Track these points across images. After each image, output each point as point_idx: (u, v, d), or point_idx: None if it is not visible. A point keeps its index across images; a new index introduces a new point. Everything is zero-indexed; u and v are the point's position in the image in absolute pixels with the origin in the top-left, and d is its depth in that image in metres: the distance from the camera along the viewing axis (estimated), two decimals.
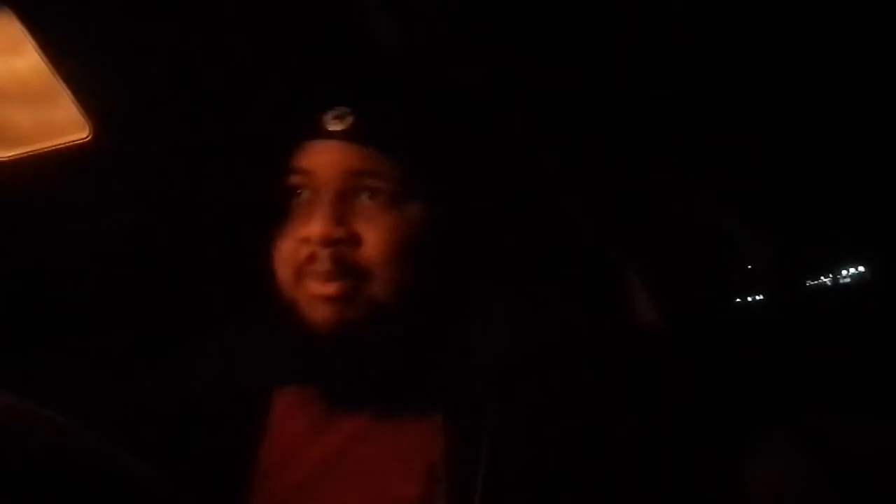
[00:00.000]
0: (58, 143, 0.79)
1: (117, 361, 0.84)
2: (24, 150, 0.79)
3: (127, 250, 0.91)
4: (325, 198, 0.75)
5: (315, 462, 0.75)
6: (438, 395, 0.75)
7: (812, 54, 1.08)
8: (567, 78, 0.99)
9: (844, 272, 1.61)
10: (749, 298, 1.52)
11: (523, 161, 0.97)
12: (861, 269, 1.59)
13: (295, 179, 0.77)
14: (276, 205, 0.78)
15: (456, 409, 0.74)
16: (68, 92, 0.77)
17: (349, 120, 0.75)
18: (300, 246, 0.75)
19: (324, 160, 0.76)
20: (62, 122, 0.78)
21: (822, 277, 1.64)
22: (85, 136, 0.78)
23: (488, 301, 0.82)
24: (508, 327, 0.79)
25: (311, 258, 0.74)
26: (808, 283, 1.63)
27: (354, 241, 0.74)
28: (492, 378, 0.74)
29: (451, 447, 0.72)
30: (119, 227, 0.89)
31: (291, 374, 0.80)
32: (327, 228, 0.73)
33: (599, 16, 0.96)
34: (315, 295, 0.74)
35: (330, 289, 0.73)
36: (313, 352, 0.76)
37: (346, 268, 0.73)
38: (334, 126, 0.75)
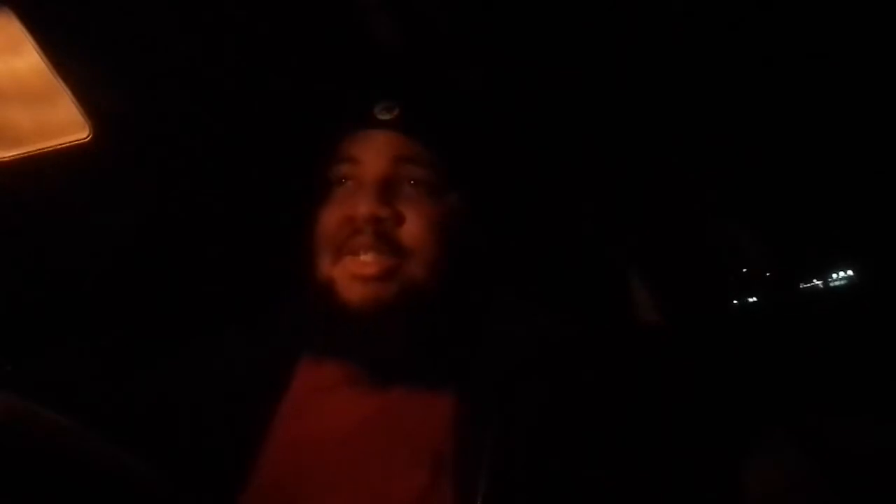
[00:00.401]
0: (58, 143, 0.79)
1: (119, 358, 0.84)
2: (24, 150, 0.79)
3: (127, 249, 0.91)
4: (371, 181, 0.78)
5: (329, 441, 0.76)
6: (450, 386, 0.76)
7: (807, 56, 1.08)
8: (568, 78, 0.99)
9: (835, 276, 1.62)
10: (744, 300, 1.53)
11: (529, 162, 0.97)
12: (850, 272, 1.60)
13: (343, 166, 0.80)
14: (321, 191, 0.81)
15: (465, 401, 0.75)
16: (68, 92, 0.77)
17: (396, 111, 0.80)
18: (344, 224, 0.78)
19: (371, 147, 0.80)
20: (62, 122, 0.78)
21: (814, 280, 1.64)
22: (85, 136, 0.78)
23: (501, 298, 0.84)
24: (519, 325, 0.80)
25: (354, 233, 0.77)
26: (801, 286, 1.64)
27: (398, 219, 0.77)
28: (501, 373, 0.75)
29: (458, 439, 0.73)
30: (119, 227, 0.89)
31: (318, 349, 0.81)
32: (374, 208, 0.76)
33: (600, 16, 0.96)
34: (354, 274, 0.76)
35: (370, 268, 0.76)
36: (345, 328, 0.77)
37: (388, 243, 0.77)
38: (383, 115, 0.80)
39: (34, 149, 0.79)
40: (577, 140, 1.03)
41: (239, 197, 0.92)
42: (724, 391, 0.85)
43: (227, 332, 0.85)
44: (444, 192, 0.80)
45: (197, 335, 0.85)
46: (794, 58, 1.09)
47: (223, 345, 0.84)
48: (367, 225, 0.76)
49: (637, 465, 0.72)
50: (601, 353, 0.79)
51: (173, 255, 0.92)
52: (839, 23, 1.03)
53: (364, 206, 0.76)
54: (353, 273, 0.77)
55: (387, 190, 0.78)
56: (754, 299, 1.52)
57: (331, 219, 0.79)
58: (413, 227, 0.77)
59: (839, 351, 1.27)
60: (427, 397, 0.76)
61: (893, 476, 0.83)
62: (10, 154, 0.79)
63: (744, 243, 1.32)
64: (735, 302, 1.48)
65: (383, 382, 0.77)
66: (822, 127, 1.21)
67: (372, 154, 0.79)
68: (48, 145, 0.79)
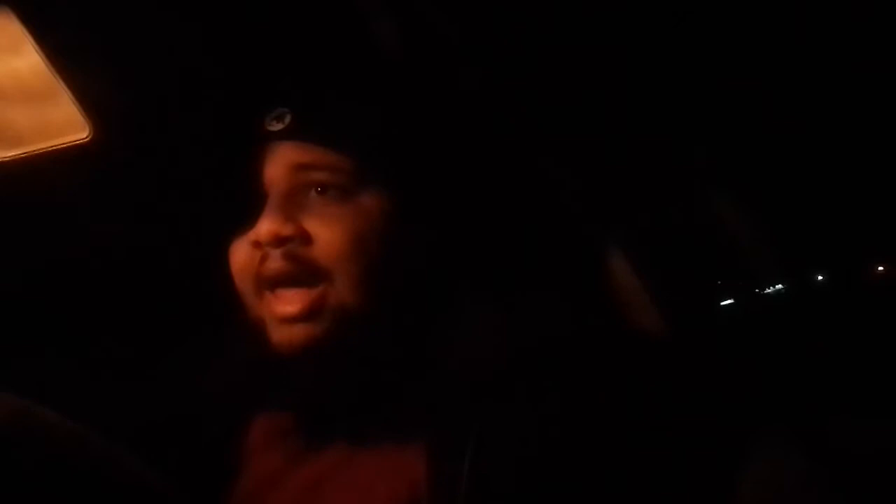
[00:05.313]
0: (58, 143, 0.79)
1: (113, 364, 0.83)
2: (24, 150, 0.79)
3: (126, 251, 0.91)
4: (272, 198, 0.73)
5: (294, 491, 0.73)
6: (419, 412, 0.72)
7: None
8: (561, 72, 0.98)
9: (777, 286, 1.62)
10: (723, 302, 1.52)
11: (513, 159, 0.94)
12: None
13: (246, 188, 0.75)
14: (232, 215, 0.76)
15: (437, 426, 0.70)
16: (68, 92, 0.77)
17: (287, 118, 0.74)
18: (253, 253, 0.72)
19: (267, 162, 0.74)
20: (62, 122, 0.78)
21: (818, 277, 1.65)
22: (85, 136, 0.78)
23: (470, 308, 0.77)
24: (492, 337, 0.75)
25: (264, 259, 0.71)
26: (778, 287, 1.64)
27: (305, 239, 0.71)
28: (474, 392, 0.70)
29: (432, 466, 0.68)
30: (118, 227, 0.89)
31: (266, 399, 0.78)
32: (274, 226, 0.70)
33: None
34: (278, 315, 0.71)
35: (293, 306, 0.70)
36: (284, 376, 0.74)
37: (303, 268, 0.71)
38: (274, 127, 0.75)
39: (34, 149, 0.79)
40: (572, 135, 1.00)
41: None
42: (721, 393, 0.84)
43: (206, 349, 0.82)
44: (359, 192, 0.73)
45: (192, 337, 0.84)
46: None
47: (200, 363, 0.81)
48: (273, 248, 0.70)
49: (627, 483, 0.69)
50: (589, 365, 0.74)
51: (172, 256, 0.92)
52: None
53: (264, 225, 0.70)
54: (277, 315, 0.71)
55: (288, 203, 0.72)
56: (731, 301, 1.51)
57: (239, 246, 0.74)
58: (326, 244, 0.71)
59: (839, 351, 1.27)
60: (396, 427, 0.72)
61: (893, 477, 0.83)
62: (10, 154, 0.79)
63: (744, 238, 1.31)
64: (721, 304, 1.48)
65: (344, 420, 0.74)
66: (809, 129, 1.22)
67: (269, 167, 0.74)
68: (48, 145, 0.79)
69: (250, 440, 0.78)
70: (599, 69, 1.01)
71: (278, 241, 0.70)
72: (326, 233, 0.71)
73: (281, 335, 0.71)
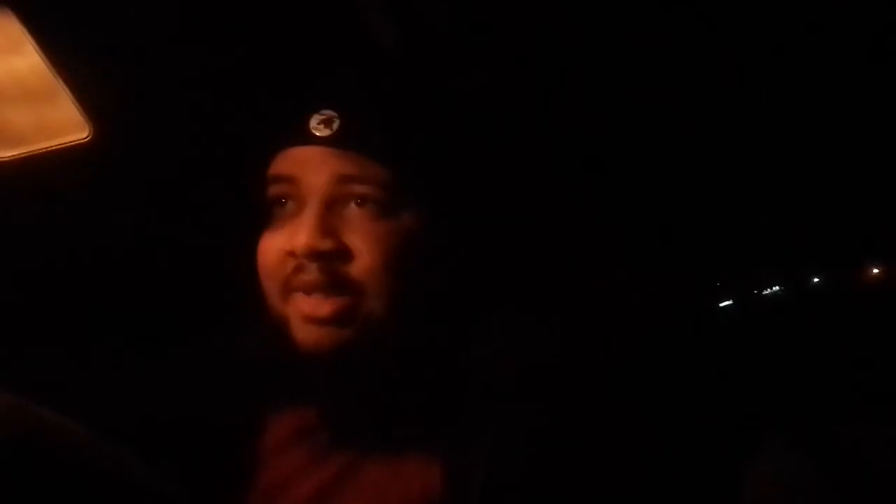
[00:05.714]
0: (58, 143, 0.79)
1: (121, 364, 0.83)
2: (24, 150, 0.79)
3: (127, 250, 0.91)
4: (311, 207, 0.70)
5: (311, 493, 0.73)
6: (436, 418, 0.72)
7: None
8: (569, 82, 0.99)
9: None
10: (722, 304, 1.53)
11: (529, 172, 0.95)
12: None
13: (279, 188, 0.72)
14: (260, 215, 0.74)
15: (454, 433, 0.71)
16: (68, 92, 0.77)
17: (336, 124, 0.71)
18: (286, 259, 0.70)
19: (309, 167, 0.71)
20: (62, 122, 0.78)
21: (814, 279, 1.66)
22: (85, 136, 0.78)
23: (488, 319, 0.78)
24: (509, 348, 0.76)
25: (298, 269, 0.70)
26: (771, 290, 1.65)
27: (344, 254, 0.69)
28: (491, 401, 0.71)
29: (447, 471, 0.69)
30: (119, 227, 0.89)
31: (286, 398, 0.78)
32: (313, 240, 0.68)
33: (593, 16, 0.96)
34: (306, 315, 0.70)
35: (323, 308, 0.69)
36: (305, 376, 0.74)
37: (338, 280, 0.69)
38: (320, 131, 0.71)
39: (34, 149, 0.79)
40: (581, 145, 1.02)
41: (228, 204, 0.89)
42: (722, 394, 0.84)
43: (220, 345, 0.82)
44: (400, 208, 0.71)
45: (194, 341, 0.84)
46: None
47: (213, 361, 0.80)
48: (309, 261, 0.69)
49: (638, 489, 0.70)
50: (599, 368, 0.76)
51: (176, 256, 0.92)
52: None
53: (302, 238, 0.68)
54: (305, 314, 0.69)
55: (328, 215, 0.69)
56: (730, 302, 1.52)
57: (271, 250, 0.72)
58: (362, 263, 0.69)
59: (836, 352, 1.28)
60: (414, 433, 0.73)
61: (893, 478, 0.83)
62: (10, 154, 0.79)
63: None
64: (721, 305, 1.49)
65: (363, 425, 0.74)
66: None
67: (310, 174, 0.70)
68: (48, 145, 0.78)
69: (266, 441, 0.77)
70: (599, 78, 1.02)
71: (316, 255, 0.69)
72: (366, 251, 0.69)
73: (308, 335, 0.70)
